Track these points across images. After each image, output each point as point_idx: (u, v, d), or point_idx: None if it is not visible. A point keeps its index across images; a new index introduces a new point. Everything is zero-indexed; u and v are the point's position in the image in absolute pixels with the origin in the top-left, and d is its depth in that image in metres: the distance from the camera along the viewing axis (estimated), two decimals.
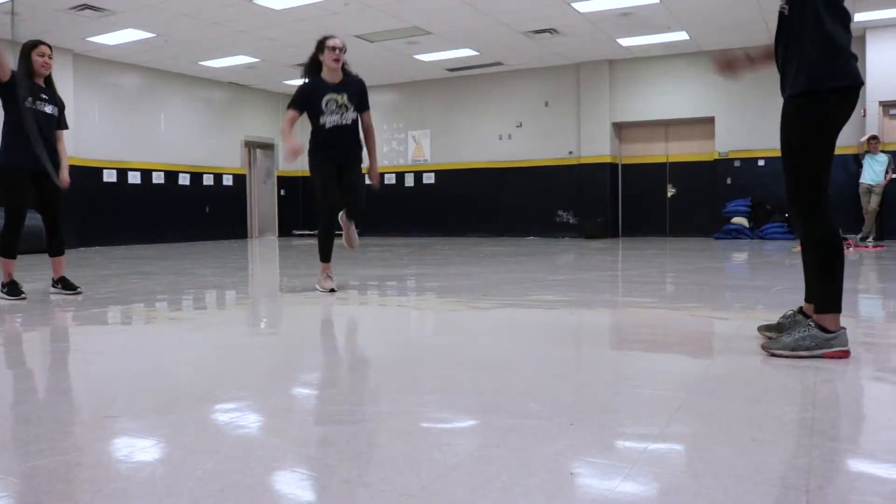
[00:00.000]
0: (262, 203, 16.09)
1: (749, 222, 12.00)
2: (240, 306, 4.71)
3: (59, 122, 4.92)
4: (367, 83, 5.08)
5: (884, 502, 1.34)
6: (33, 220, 5.11)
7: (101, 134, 12.29)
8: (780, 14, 2.69)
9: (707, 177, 12.70)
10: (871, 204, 10.58)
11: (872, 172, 10.61)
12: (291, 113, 4.86)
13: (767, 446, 1.65)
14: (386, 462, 1.58)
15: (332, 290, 4.90)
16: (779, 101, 2.70)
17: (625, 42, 11.83)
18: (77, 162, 10.83)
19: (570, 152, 13.58)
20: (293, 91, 4.98)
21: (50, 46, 4.82)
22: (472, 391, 2.22)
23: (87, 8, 9.49)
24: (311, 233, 15.70)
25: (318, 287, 4.97)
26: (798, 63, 2.59)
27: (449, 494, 1.39)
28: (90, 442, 1.78)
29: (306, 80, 4.93)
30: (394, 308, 4.41)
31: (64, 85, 8.28)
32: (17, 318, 3.96)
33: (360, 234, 5.55)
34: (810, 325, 2.60)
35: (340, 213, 4.98)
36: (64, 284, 4.95)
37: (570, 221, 13.56)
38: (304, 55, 5.05)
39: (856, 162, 10.96)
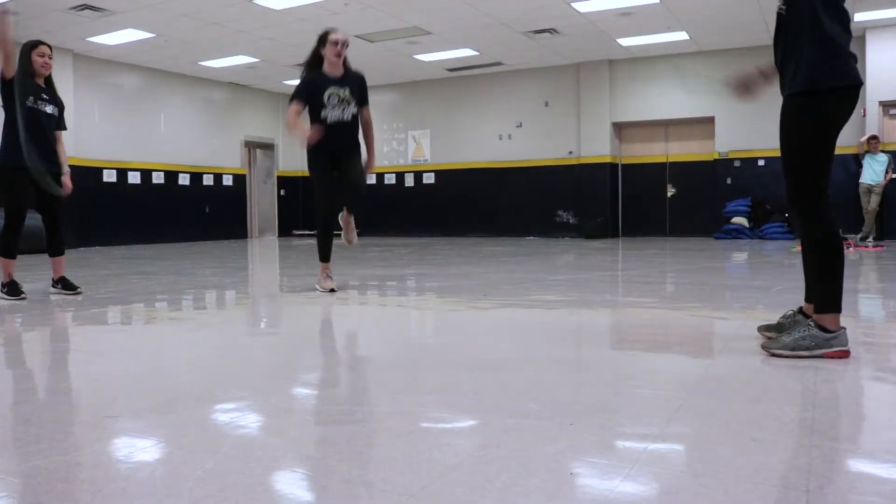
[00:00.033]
0: (262, 203, 16.09)
1: (749, 222, 12.00)
2: (240, 306, 4.71)
3: (59, 123, 4.92)
4: (367, 83, 5.08)
5: (884, 502, 1.34)
6: (33, 220, 5.11)
7: (101, 134, 12.29)
8: (779, 15, 2.70)
9: (707, 177, 12.70)
10: (871, 204, 10.59)
11: (872, 172, 10.61)
12: (295, 106, 4.79)
13: (767, 446, 1.65)
14: (386, 462, 1.58)
15: (332, 290, 4.90)
16: (778, 101, 2.70)
17: (625, 42, 11.83)
18: (77, 162, 10.83)
19: (570, 152, 13.58)
20: (293, 91, 4.95)
21: (50, 46, 4.82)
22: (472, 391, 2.22)
23: (87, 8, 9.49)
24: (311, 233, 15.69)
25: (318, 287, 4.97)
26: (797, 63, 2.59)
27: (449, 494, 1.39)
28: (90, 442, 1.78)
29: (307, 74, 4.88)
30: (394, 308, 4.41)
31: (64, 85, 8.28)
32: (17, 318, 3.96)
33: (359, 235, 5.55)
34: (810, 325, 2.60)
35: (341, 214, 4.98)
36: (64, 284, 4.95)
37: (570, 221, 13.56)
38: (305, 55, 5.03)
39: (856, 162, 10.96)
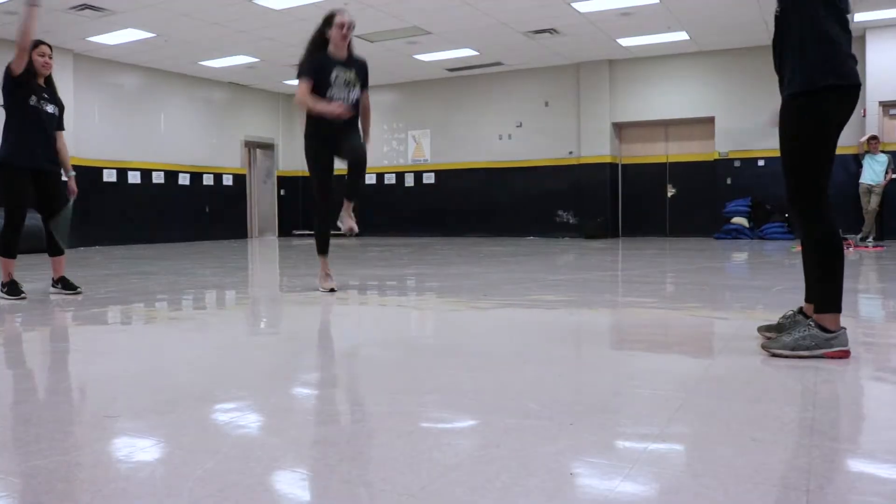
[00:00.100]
0: (262, 203, 16.09)
1: (749, 222, 12.00)
2: (240, 306, 4.71)
3: (59, 123, 4.92)
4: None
5: (884, 502, 1.34)
6: (33, 220, 5.11)
7: (101, 134, 12.29)
8: (776, 18, 2.71)
9: (707, 177, 12.70)
10: (871, 204, 10.59)
11: (872, 172, 10.61)
12: (305, 83, 4.60)
13: (767, 446, 1.65)
14: (386, 462, 1.58)
15: (332, 290, 4.90)
16: (778, 101, 2.70)
17: (625, 42, 11.84)
18: (77, 162, 10.82)
19: (570, 152, 13.58)
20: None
21: (50, 46, 4.82)
22: (472, 391, 2.22)
23: (87, 8, 9.49)
24: (311, 233, 15.70)
25: (319, 287, 4.98)
26: (795, 63, 2.59)
27: (449, 494, 1.39)
28: (90, 442, 1.78)
29: (311, 54, 4.74)
30: (394, 308, 4.41)
31: (64, 85, 8.28)
32: (17, 318, 3.96)
33: (359, 235, 5.54)
34: (810, 325, 2.60)
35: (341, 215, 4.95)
36: (64, 284, 4.95)
37: (570, 221, 13.56)
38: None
39: (856, 162, 10.96)
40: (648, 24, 10.73)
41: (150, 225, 13.06)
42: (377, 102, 14.58)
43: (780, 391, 2.20)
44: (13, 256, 4.78)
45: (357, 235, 9.82)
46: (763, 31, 10.67)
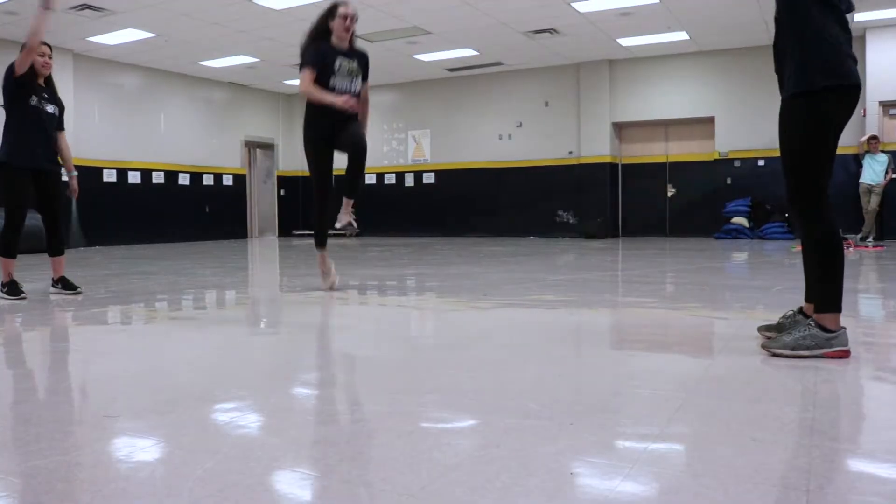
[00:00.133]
0: (262, 203, 16.09)
1: (749, 222, 12.00)
2: (240, 306, 4.71)
3: (59, 123, 4.93)
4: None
5: (884, 502, 1.34)
6: (33, 220, 5.11)
7: (101, 134, 12.29)
8: (776, 20, 2.71)
9: (707, 177, 12.71)
10: (871, 204, 10.59)
11: (872, 172, 10.61)
12: (310, 73, 4.53)
13: (767, 446, 1.65)
14: (386, 462, 1.58)
15: (332, 287, 4.89)
16: (778, 101, 2.70)
17: (625, 42, 11.84)
18: (77, 162, 10.71)
19: (570, 152, 13.58)
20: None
21: (50, 46, 4.81)
22: (472, 391, 2.22)
23: (87, 8, 9.49)
24: (311, 232, 15.70)
25: (322, 286, 4.96)
26: (794, 64, 2.60)
27: (449, 494, 1.39)
28: (90, 442, 1.78)
29: (313, 43, 4.67)
30: (394, 308, 4.41)
31: (64, 85, 8.29)
32: (17, 318, 3.96)
33: (359, 235, 5.53)
34: (810, 325, 2.60)
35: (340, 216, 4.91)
36: (64, 284, 4.95)
37: (570, 221, 13.56)
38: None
39: (856, 162, 10.96)
40: (648, 24, 10.73)
41: (150, 225, 13.06)
42: (377, 102, 14.65)
43: (780, 391, 2.20)
44: (13, 256, 4.79)
45: (357, 235, 9.81)
46: (763, 31, 10.67)
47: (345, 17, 4.63)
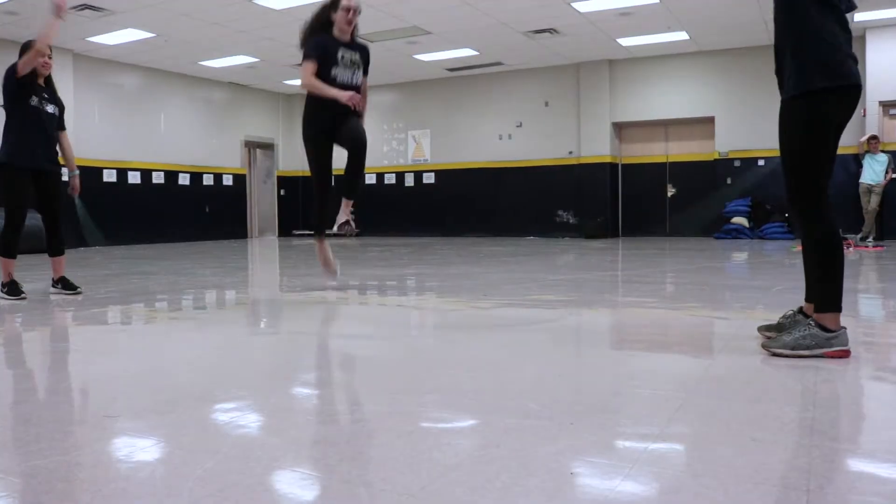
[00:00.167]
0: (262, 203, 16.09)
1: (749, 222, 12.00)
2: (240, 306, 4.71)
3: (60, 123, 4.94)
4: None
5: (884, 502, 1.34)
6: (33, 220, 5.11)
7: (101, 134, 12.29)
8: (774, 21, 2.71)
9: (707, 177, 12.71)
10: (871, 204, 10.59)
11: (872, 172, 10.61)
12: (311, 65, 4.46)
13: (767, 446, 1.65)
14: (386, 462, 1.58)
15: (333, 273, 4.80)
16: (777, 101, 2.70)
17: (625, 42, 11.84)
18: (77, 162, 10.71)
19: (570, 152, 13.58)
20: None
21: (49, 46, 4.82)
22: (472, 391, 2.22)
23: (87, 8, 9.49)
24: (311, 233, 15.70)
25: (323, 274, 4.84)
26: (793, 65, 2.60)
27: (449, 494, 1.39)
28: (90, 442, 1.78)
29: (314, 34, 4.59)
30: (394, 308, 4.41)
31: (64, 85, 8.29)
32: (17, 318, 3.96)
33: (359, 235, 5.49)
34: (810, 325, 2.60)
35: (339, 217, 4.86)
36: (64, 284, 4.95)
37: (570, 221, 13.56)
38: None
39: (856, 162, 10.96)
40: (648, 24, 10.73)
41: (150, 225, 13.06)
42: (377, 102, 14.66)
43: (780, 391, 2.20)
44: (13, 256, 4.79)
45: (357, 235, 9.79)
46: (763, 31, 10.67)
47: (347, 10, 4.55)
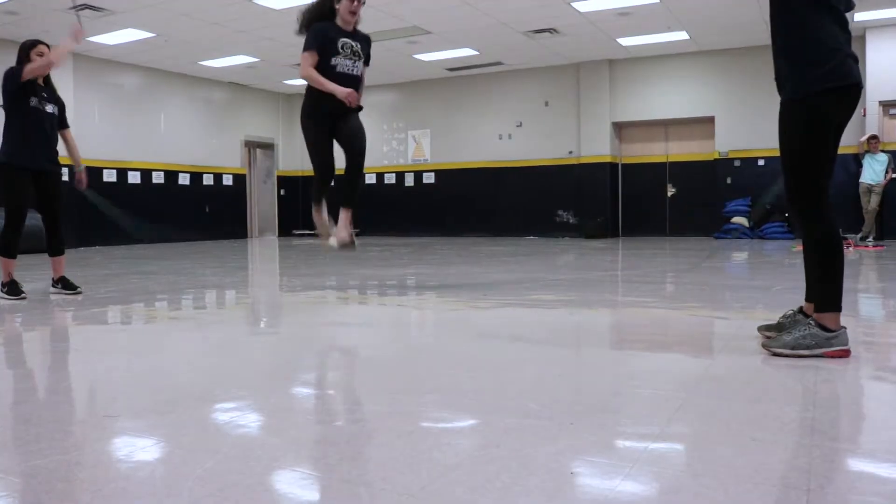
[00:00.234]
0: (262, 203, 16.09)
1: (749, 222, 12.00)
2: (240, 306, 4.71)
3: (62, 122, 4.95)
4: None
5: (884, 502, 1.34)
6: (33, 220, 5.11)
7: (101, 134, 12.29)
8: (771, 22, 2.71)
9: (707, 177, 12.70)
10: (871, 204, 10.59)
11: (872, 172, 10.61)
12: (311, 56, 4.38)
13: (767, 446, 1.65)
14: (386, 462, 1.58)
15: (331, 240, 4.59)
16: (777, 100, 2.70)
17: (625, 42, 11.83)
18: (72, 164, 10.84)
19: (570, 152, 13.58)
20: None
21: (48, 46, 4.83)
22: (472, 391, 2.22)
23: (86, 8, 9.49)
24: (311, 232, 15.71)
25: (330, 241, 4.63)
26: (792, 66, 2.60)
27: (449, 494, 1.39)
28: (90, 441, 1.78)
29: (315, 23, 4.50)
30: (394, 308, 4.41)
31: (64, 85, 8.27)
32: (17, 318, 3.96)
33: (359, 234, 5.42)
34: (811, 324, 2.60)
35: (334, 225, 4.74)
36: (64, 284, 4.95)
37: (570, 221, 13.56)
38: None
39: (856, 162, 10.96)
40: (648, 23, 10.73)
41: (150, 225, 13.06)
42: (377, 102, 14.67)
43: (780, 391, 2.20)
44: (13, 256, 4.79)
45: (357, 235, 9.76)
46: (763, 31, 10.66)
47: (352, 0, 4.48)
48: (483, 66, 13.57)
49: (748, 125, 12.02)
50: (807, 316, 2.73)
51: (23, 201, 4.74)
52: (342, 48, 4.46)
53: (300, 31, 4.61)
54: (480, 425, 1.88)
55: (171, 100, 13.61)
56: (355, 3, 4.51)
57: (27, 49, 4.73)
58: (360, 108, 4.61)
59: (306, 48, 4.46)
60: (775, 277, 5.77)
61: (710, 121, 12.63)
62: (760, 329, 2.95)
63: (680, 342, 3.22)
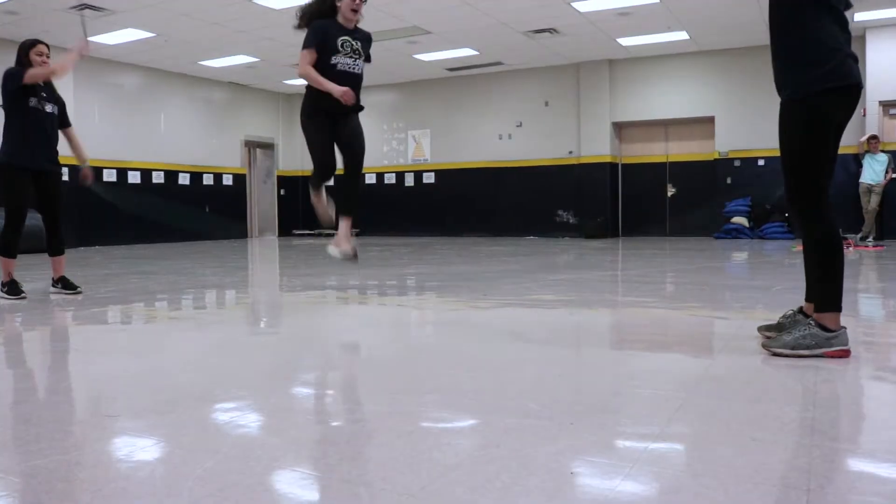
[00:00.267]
0: (262, 203, 16.09)
1: (749, 222, 12.00)
2: (240, 306, 4.71)
3: (63, 121, 4.95)
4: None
5: (884, 502, 1.34)
6: (33, 220, 5.11)
7: (100, 134, 12.28)
8: (770, 23, 2.72)
9: (707, 177, 12.70)
10: (871, 204, 10.59)
11: (872, 172, 10.61)
12: (309, 54, 4.31)
13: (768, 446, 1.65)
14: (386, 462, 1.58)
15: (332, 222, 4.49)
16: (777, 101, 2.70)
17: (625, 42, 11.83)
18: (77, 161, 10.84)
19: (570, 152, 13.58)
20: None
21: (47, 45, 4.83)
22: (472, 391, 2.22)
23: (86, 7, 9.49)
24: (312, 232, 15.72)
25: (334, 251, 4.45)
26: (792, 67, 2.60)
27: (449, 494, 1.39)
28: (90, 441, 1.78)
29: (315, 20, 4.41)
30: (394, 308, 4.41)
31: (64, 84, 8.25)
32: (17, 318, 3.96)
33: (359, 234, 5.38)
34: (811, 324, 2.60)
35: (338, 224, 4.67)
36: (64, 284, 4.95)
37: (570, 221, 13.56)
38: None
39: (856, 162, 10.96)
40: (648, 23, 10.73)
41: (150, 225, 13.06)
42: (377, 102, 14.66)
43: (780, 391, 2.20)
44: (13, 256, 4.79)
45: (357, 235, 9.75)
46: (763, 30, 10.65)
47: None
48: (483, 66, 13.57)
49: (748, 125, 12.02)
50: (807, 316, 2.73)
51: (23, 201, 4.74)
52: (342, 46, 4.43)
53: (298, 27, 4.59)
54: (480, 425, 1.88)
55: (171, 100, 13.61)
56: (357, 1, 4.48)
57: (26, 49, 4.72)
58: (360, 109, 4.59)
59: (305, 46, 4.43)
60: (775, 277, 5.77)
61: (710, 121, 12.63)
62: (760, 329, 2.95)
63: (680, 342, 3.22)
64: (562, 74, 13.56)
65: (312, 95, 4.50)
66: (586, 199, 13.30)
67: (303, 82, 4.57)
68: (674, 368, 2.60)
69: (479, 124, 14.38)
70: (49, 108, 4.81)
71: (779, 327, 2.85)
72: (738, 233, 11.93)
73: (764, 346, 2.68)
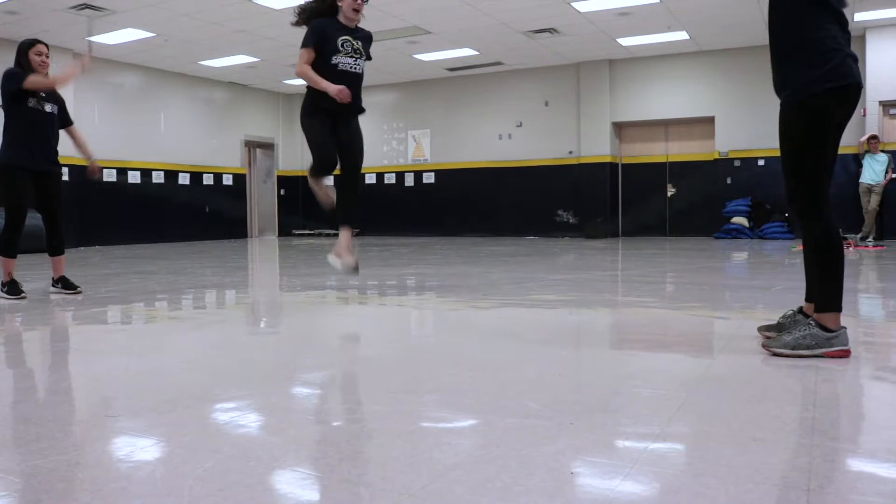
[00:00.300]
0: (262, 203, 16.09)
1: (749, 222, 12.00)
2: (240, 306, 4.71)
3: (64, 120, 4.95)
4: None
5: (884, 502, 1.34)
6: (33, 220, 5.11)
7: (100, 134, 12.27)
8: (769, 24, 2.71)
9: (707, 177, 12.70)
10: (871, 204, 10.59)
11: (872, 172, 10.61)
12: (308, 53, 4.30)
13: (768, 446, 1.65)
14: (386, 462, 1.58)
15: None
16: (777, 101, 2.70)
17: (625, 42, 11.83)
18: (77, 161, 10.83)
19: (570, 152, 13.58)
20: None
21: (47, 45, 4.83)
22: (472, 391, 2.22)
23: (86, 7, 9.49)
24: (312, 232, 15.72)
25: (335, 262, 4.43)
26: (792, 67, 2.60)
27: (449, 494, 1.39)
28: (90, 441, 1.77)
29: (316, 19, 4.39)
30: (394, 308, 4.41)
31: None
32: (17, 318, 3.96)
33: (359, 234, 5.37)
34: (811, 325, 2.60)
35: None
36: (64, 284, 4.95)
37: (570, 221, 13.56)
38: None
39: (856, 162, 10.96)
40: (648, 23, 10.73)
41: (150, 225, 13.06)
42: (377, 102, 14.65)
43: (781, 391, 2.19)
44: (13, 256, 4.79)
45: (357, 234, 9.76)
46: (763, 30, 10.63)
47: None
48: (483, 66, 13.57)
49: (748, 125, 12.02)
50: (807, 316, 2.73)
51: (23, 201, 4.75)
52: (342, 46, 4.41)
53: (296, 24, 4.57)
54: (480, 425, 1.88)
55: (171, 100, 13.61)
56: (359, 0, 4.47)
57: (26, 49, 4.73)
58: (362, 111, 4.57)
59: (304, 45, 4.41)
60: (775, 277, 5.77)
61: (710, 121, 12.63)
62: (760, 329, 2.95)
63: (680, 342, 3.22)
64: (562, 74, 13.56)
65: (312, 94, 4.48)
66: (586, 199, 13.30)
67: (303, 82, 4.55)
68: (674, 368, 2.60)
69: (479, 124, 14.38)
70: (48, 107, 4.81)
71: (779, 327, 2.85)
72: (738, 233, 11.93)
73: (764, 346, 2.68)
